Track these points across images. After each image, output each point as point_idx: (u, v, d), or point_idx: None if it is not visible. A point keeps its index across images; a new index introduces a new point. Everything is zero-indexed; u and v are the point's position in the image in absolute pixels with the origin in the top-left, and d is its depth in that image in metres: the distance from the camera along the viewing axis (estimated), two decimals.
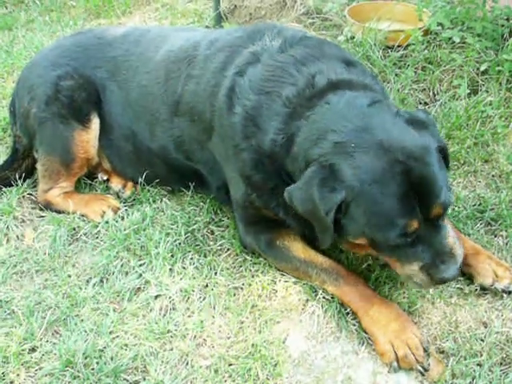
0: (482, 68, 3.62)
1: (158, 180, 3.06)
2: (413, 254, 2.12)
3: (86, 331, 2.29)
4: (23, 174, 3.17)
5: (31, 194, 3.13)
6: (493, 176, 3.11)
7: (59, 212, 2.98)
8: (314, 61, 2.43)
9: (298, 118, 2.30)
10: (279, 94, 2.37)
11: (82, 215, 2.94)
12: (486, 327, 2.28)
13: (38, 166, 3.07)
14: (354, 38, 4.16)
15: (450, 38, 3.83)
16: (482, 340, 2.22)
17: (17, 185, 3.12)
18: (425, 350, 2.13)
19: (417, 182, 2.03)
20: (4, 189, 3.12)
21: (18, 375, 2.15)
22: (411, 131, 2.14)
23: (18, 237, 2.85)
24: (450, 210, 2.77)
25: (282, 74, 2.41)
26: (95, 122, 3.01)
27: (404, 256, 2.14)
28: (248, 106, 2.42)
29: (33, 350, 2.24)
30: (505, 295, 2.39)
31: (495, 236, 2.71)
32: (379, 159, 2.04)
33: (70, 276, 2.57)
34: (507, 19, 3.88)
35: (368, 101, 2.23)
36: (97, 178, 3.24)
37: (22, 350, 2.22)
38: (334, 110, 2.22)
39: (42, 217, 2.99)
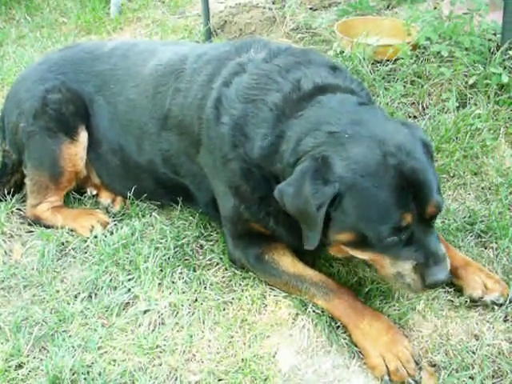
0: (471, 81, 3.65)
1: (145, 194, 3.04)
2: (406, 253, 2.07)
3: (73, 347, 2.26)
4: (12, 189, 3.16)
5: (20, 209, 3.11)
6: (482, 188, 3.11)
7: (48, 227, 2.96)
8: (299, 67, 2.44)
9: (286, 119, 2.30)
10: (265, 102, 2.37)
11: (71, 230, 2.92)
12: (477, 340, 2.26)
13: (27, 180, 3.05)
14: (343, 52, 4.18)
15: (438, 52, 3.87)
16: (474, 353, 2.21)
17: (5, 200, 3.10)
18: (416, 363, 2.11)
19: (410, 176, 2.02)
20: None
21: None
22: (402, 128, 2.20)
23: (6, 252, 2.82)
24: (440, 224, 2.77)
25: (267, 82, 2.42)
26: (83, 135, 2.99)
27: (396, 254, 2.09)
28: (235, 115, 2.42)
29: (19, 366, 2.21)
30: (496, 307, 2.37)
31: (485, 248, 2.70)
32: (372, 151, 2.05)
33: (58, 291, 2.55)
34: (494, 34, 3.93)
35: (358, 101, 2.30)
36: (86, 192, 3.22)
37: (9, 367, 2.19)
38: (327, 106, 2.26)
39: (31, 232, 2.97)
